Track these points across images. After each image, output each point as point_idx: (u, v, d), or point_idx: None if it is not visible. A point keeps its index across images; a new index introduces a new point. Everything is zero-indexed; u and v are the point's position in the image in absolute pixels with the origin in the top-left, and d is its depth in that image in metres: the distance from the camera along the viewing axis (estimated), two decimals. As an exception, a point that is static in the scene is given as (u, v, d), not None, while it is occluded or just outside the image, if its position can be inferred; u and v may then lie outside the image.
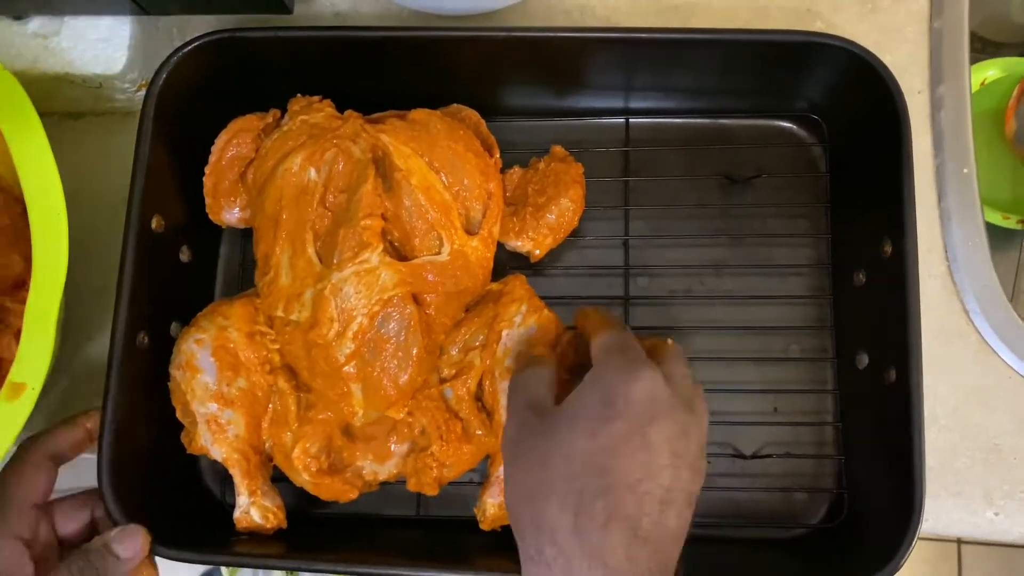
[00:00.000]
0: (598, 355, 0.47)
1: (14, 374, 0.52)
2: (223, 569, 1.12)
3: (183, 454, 0.59)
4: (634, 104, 0.66)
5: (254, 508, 0.57)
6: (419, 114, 0.59)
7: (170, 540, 0.54)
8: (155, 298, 0.59)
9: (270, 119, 0.62)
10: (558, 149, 0.64)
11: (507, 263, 0.64)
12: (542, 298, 0.60)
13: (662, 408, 0.43)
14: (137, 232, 0.56)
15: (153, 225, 0.58)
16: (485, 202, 0.59)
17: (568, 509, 0.42)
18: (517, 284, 0.59)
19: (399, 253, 0.57)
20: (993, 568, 1.50)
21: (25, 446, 0.55)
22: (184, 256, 0.62)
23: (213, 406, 0.56)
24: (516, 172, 0.64)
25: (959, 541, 1.51)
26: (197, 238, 0.63)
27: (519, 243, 0.61)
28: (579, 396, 0.45)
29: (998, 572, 1.50)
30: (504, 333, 0.57)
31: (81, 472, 0.58)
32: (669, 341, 0.49)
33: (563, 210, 0.61)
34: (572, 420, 0.44)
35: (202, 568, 0.70)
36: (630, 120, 0.66)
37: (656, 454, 0.42)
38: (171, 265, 0.61)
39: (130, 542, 0.51)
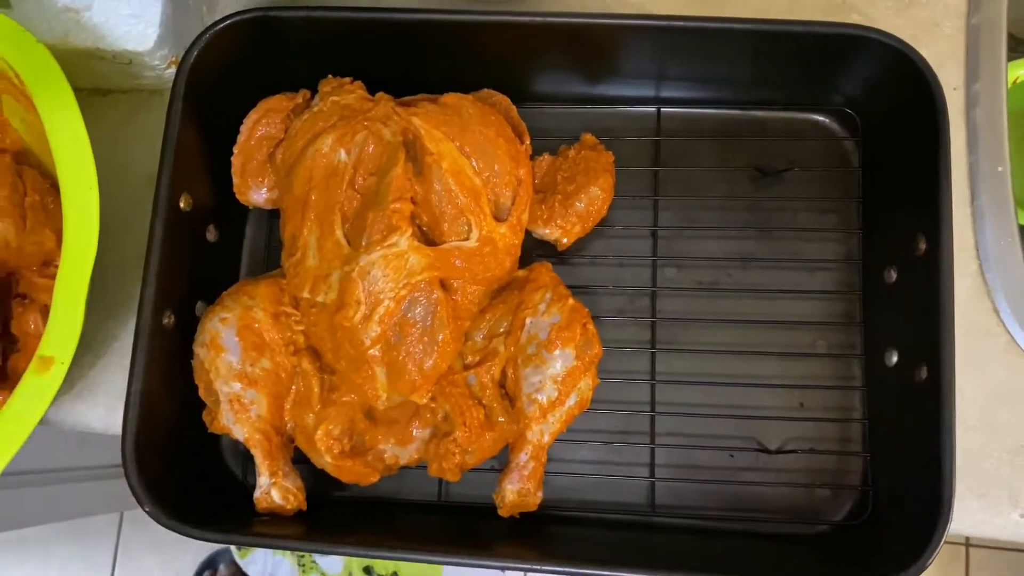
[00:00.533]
0: None
1: (43, 348, 0.51)
2: (234, 549, 1.12)
3: (206, 433, 0.58)
4: (666, 93, 0.64)
5: (275, 489, 0.56)
6: (451, 98, 0.57)
7: (190, 517, 0.53)
8: (181, 277, 0.57)
9: (299, 100, 0.60)
10: (588, 137, 0.63)
11: (533, 250, 0.62)
12: (569, 287, 0.59)
13: None
14: (165, 211, 0.55)
15: (181, 204, 0.57)
16: (515, 188, 0.57)
17: None
18: (543, 271, 0.58)
19: (427, 238, 0.55)
20: (1001, 570, 1.50)
21: None
22: (211, 235, 0.61)
23: (236, 385, 0.55)
24: (545, 159, 0.62)
25: (967, 543, 1.50)
26: (224, 218, 0.62)
27: (547, 231, 0.60)
28: None
29: (1006, 574, 1.49)
30: (528, 320, 0.55)
31: (108, 447, 0.59)
32: None
33: (592, 198, 0.60)
34: None
35: (210, 548, 0.71)
36: (661, 109, 0.65)
37: None
38: (198, 244, 0.60)
39: None
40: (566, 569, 0.52)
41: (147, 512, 0.53)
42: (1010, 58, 0.81)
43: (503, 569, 0.51)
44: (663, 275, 0.63)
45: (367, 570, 1.12)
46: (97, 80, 0.66)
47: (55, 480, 1.12)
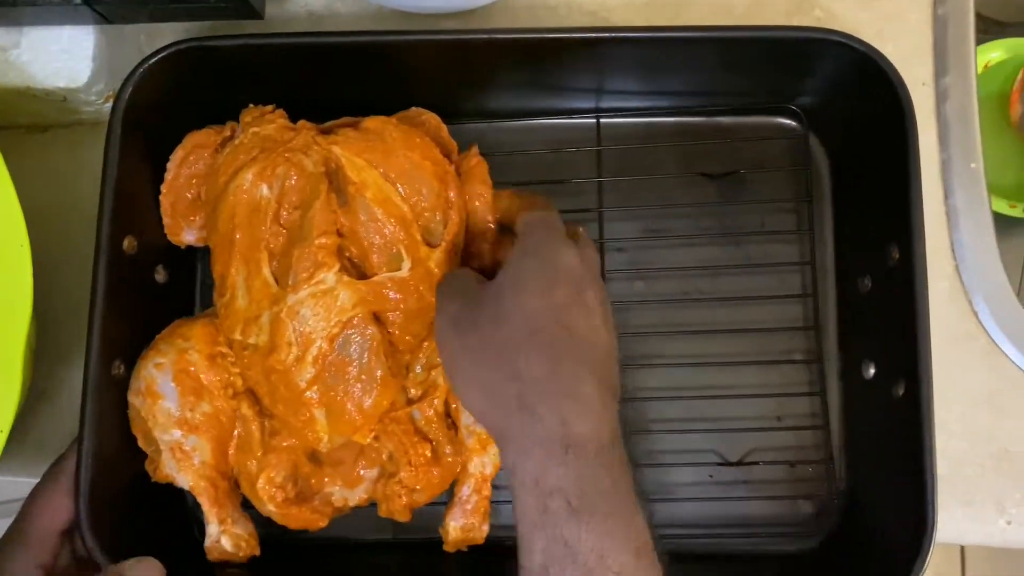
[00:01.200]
0: (525, 229, 0.49)
1: None
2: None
3: (165, 486, 0.54)
4: (611, 103, 0.61)
5: (225, 537, 0.52)
6: (373, 122, 0.53)
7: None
8: (130, 323, 0.54)
9: (228, 132, 0.56)
10: (471, 146, 0.57)
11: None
12: None
13: (589, 277, 0.46)
14: (108, 256, 0.51)
15: (125, 246, 0.53)
16: (445, 211, 0.53)
17: (543, 360, 0.42)
18: None
19: (359, 270, 0.51)
20: (999, 572, 1.49)
21: (51, 473, 0.52)
22: (160, 276, 0.57)
23: (176, 433, 0.51)
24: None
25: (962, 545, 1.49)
26: (173, 257, 0.58)
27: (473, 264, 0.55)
28: (515, 264, 0.46)
29: (1003, 570, 1.48)
30: None
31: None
32: (581, 229, 0.51)
33: (479, 214, 0.55)
34: (517, 284, 0.45)
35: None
36: (601, 120, 0.61)
37: (594, 316, 0.45)
38: (146, 287, 0.56)
39: (144, 572, 0.50)
40: None
41: (104, 572, 0.51)
42: (980, 40, 0.79)
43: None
44: (631, 288, 0.60)
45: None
46: (33, 117, 0.62)
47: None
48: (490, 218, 0.55)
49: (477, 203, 0.55)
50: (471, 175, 0.55)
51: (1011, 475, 0.57)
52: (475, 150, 0.57)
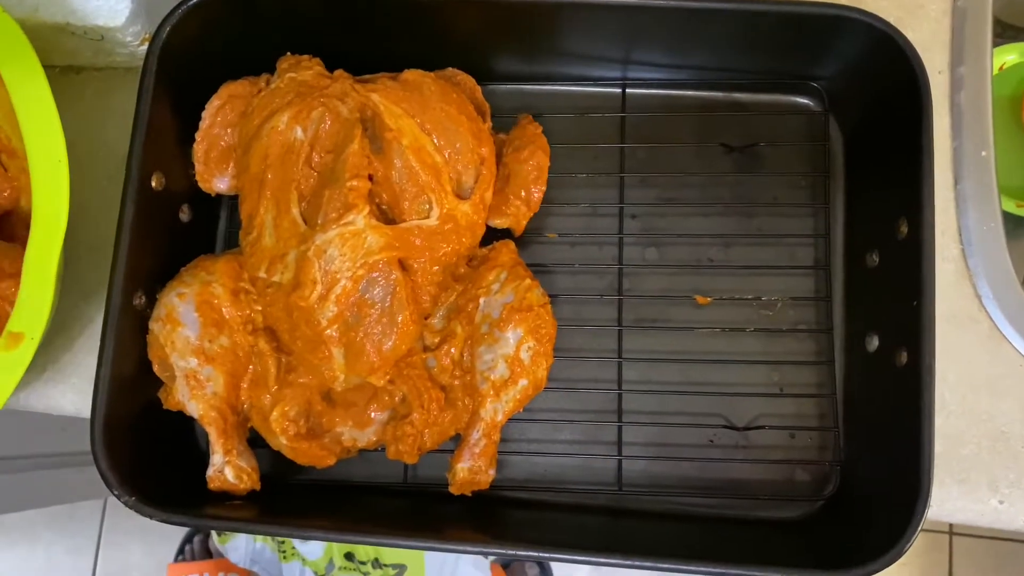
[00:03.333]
0: None
1: (12, 323, 0.50)
2: (214, 534, 1.11)
3: (179, 415, 0.55)
4: (637, 73, 0.62)
5: (228, 467, 0.54)
6: (412, 75, 0.55)
7: (156, 500, 0.51)
8: (153, 257, 0.55)
9: (263, 84, 0.57)
10: (521, 116, 0.61)
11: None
12: (533, 266, 0.58)
13: None
14: (136, 190, 0.53)
15: (153, 183, 0.54)
16: (478, 167, 0.55)
17: None
18: (504, 251, 0.56)
19: (387, 216, 0.53)
20: (984, 558, 1.50)
21: None
22: (184, 216, 0.59)
23: (193, 361, 0.53)
24: (497, 140, 0.59)
25: (951, 531, 1.50)
26: (198, 198, 0.60)
27: (497, 221, 0.58)
28: None
29: (989, 561, 1.49)
30: (481, 300, 0.54)
31: (74, 435, 0.58)
32: None
33: (525, 176, 0.57)
34: None
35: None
36: (627, 89, 0.63)
37: None
38: (170, 224, 0.58)
39: None
40: (524, 552, 0.50)
41: (115, 495, 0.52)
42: (996, 43, 0.81)
43: (474, 553, 0.50)
44: (643, 254, 0.61)
45: (348, 556, 1.11)
46: (69, 57, 0.64)
47: (38, 466, 1.11)
48: (534, 187, 0.57)
49: (530, 169, 0.57)
50: (531, 141, 0.58)
51: (1006, 456, 0.58)
52: (529, 117, 0.60)
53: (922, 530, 0.49)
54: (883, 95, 0.57)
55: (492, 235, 0.58)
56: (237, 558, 1.20)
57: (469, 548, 0.50)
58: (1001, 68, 0.80)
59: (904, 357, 0.52)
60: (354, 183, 0.52)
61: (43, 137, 0.51)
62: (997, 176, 0.62)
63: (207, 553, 1.34)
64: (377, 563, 1.12)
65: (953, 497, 0.58)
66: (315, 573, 1.09)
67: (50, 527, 1.50)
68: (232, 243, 0.63)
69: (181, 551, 1.38)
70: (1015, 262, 0.76)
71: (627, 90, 0.63)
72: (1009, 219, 0.77)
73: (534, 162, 0.58)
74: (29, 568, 1.51)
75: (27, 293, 0.50)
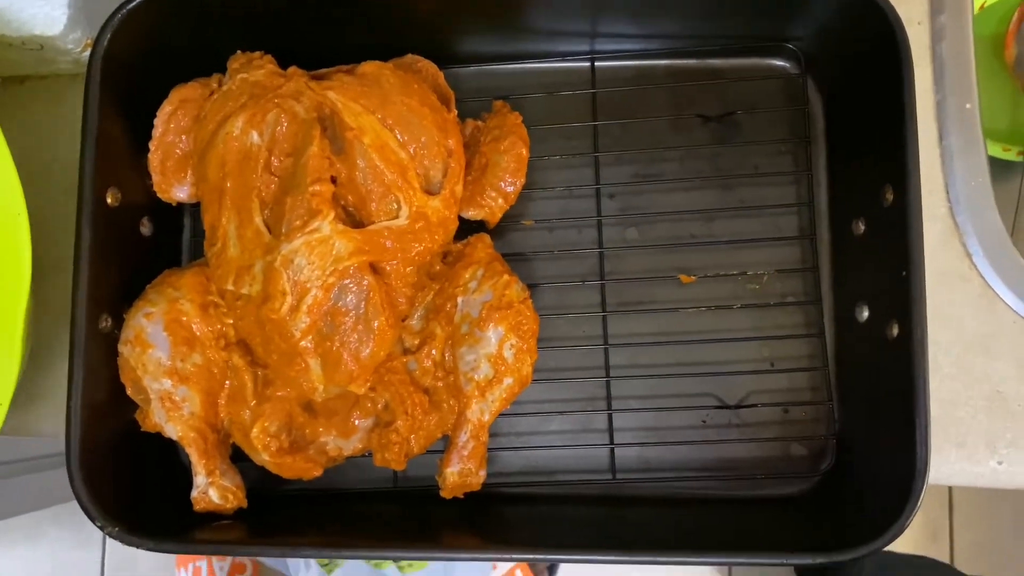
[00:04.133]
0: None
1: None
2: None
3: (159, 437, 0.54)
4: (605, 45, 0.60)
5: (212, 488, 0.53)
6: (369, 67, 0.53)
7: (142, 528, 0.50)
8: (116, 277, 0.53)
9: (215, 84, 0.55)
10: (497, 104, 0.58)
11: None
12: (511, 255, 0.57)
13: None
14: (91, 210, 0.51)
15: (109, 200, 0.52)
16: (445, 160, 0.53)
17: None
18: (479, 246, 0.54)
19: (355, 219, 0.51)
20: (984, 505, 1.51)
21: None
22: (145, 229, 0.56)
23: (167, 382, 0.51)
24: (469, 125, 0.57)
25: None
26: (158, 209, 0.57)
27: (471, 212, 0.56)
28: None
29: (988, 508, 1.50)
30: (459, 299, 0.52)
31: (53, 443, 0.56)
32: None
33: (504, 168, 0.55)
34: None
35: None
36: (596, 63, 0.60)
37: None
38: (132, 240, 0.56)
39: None
40: (521, 556, 0.50)
41: (99, 528, 0.50)
42: (976, -19, 0.78)
43: (470, 560, 0.49)
44: (623, 235, 0.60)
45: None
46: (10, 68, 0.61)
47: (42, 467, 1.10)
48: (512, 179, 0.55)
49: (509, 160, 0.55)
50: (511, 131, 0.56)
51: (1003, 416, 0.58)
52: (507, 105, 0.58)
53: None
54: (860, 53, 0.55)
55: (467, 227, 0.56)
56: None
57: (465, 555, 0.50)
58: (982, 7, 0.78)
59: (895, 329, 0.50)
60: (316, 187, 0.50)
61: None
62: (983, 123, 0.60)
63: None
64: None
65: (951, 460, 0.58)
66: (320, 565, 1.09)
67: (55, 523, 1.49)
68: (198, 254, 0.60)
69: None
70: (1004, 206, 0.75)
71: (596, 63, 0.61)
72: (995, 163, 0.76)
73: (514, 153, 0.56)
74: (37, 565, 1.51)
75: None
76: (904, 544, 1.46)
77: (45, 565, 1.51)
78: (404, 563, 1.05)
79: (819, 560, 0.48)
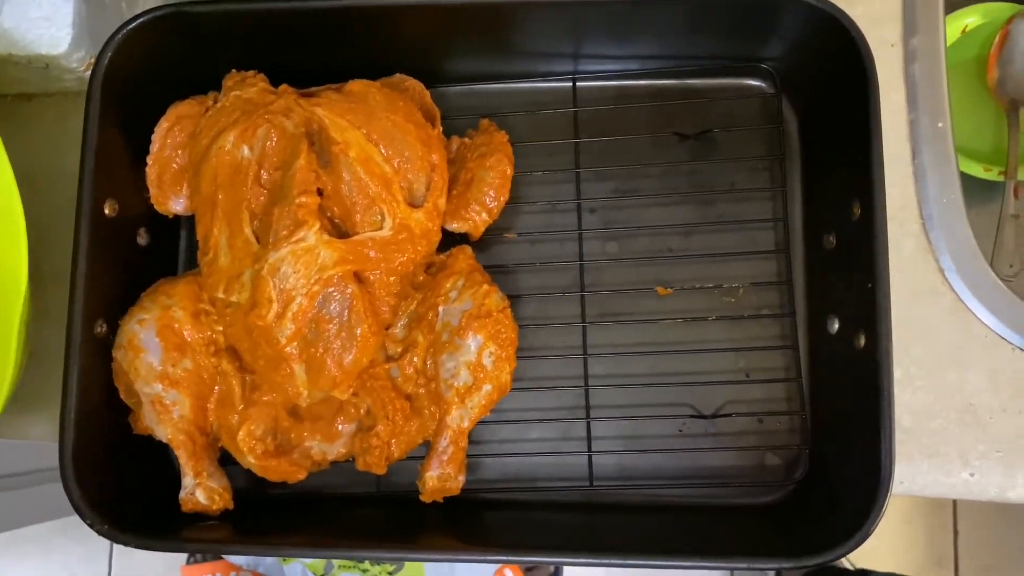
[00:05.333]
0: None
1: None
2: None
3: (150, 439, 0.55)
4: (587, 66, 0.62)
5: (199, 489, 0.54)
6: (356, 85, 0.55)
7: (131, 527, 0.52)
8: (113, 285, 0.55)
9: (210, 101, 0.57)
10: (483, 122, 0.60)
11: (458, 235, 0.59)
12: (493, 267, 0.58)
13: None
14: (90, 219, 0.53)
15: (106, 210, 0.54)
16: (428, 174, 0.55)
17: None
18: (461, 257, 0.56)
19: (340, 230, 0.53)
20: (988, 531, 1.50)
21: None
22: (142, 239, 0.59)
23: (158, 386, 0.53)
24: (455, 141, 0.59)
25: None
26: (155, 220, 0.59)
27: (455, 225, 0.57)
28: None
29: (993, 533, 1.49)
30: (440, 308, 0.54)
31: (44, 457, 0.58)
32: None
33: (489, 184, 0.57)
34: None
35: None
36: (577, 83, 0.62)
37: None
38: (128, 250, 0.58)
39: None
40: (500, 558, 0.51)
41: (90, 527, 0.52)
42: (957, 5, 0.80)
43: (446, 562, 0.51)
44: (603, 248, 0.61)
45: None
46: (18, 85, 0.64)
47: (52, 479, 1.12)
48: (495, 195, 0.57)
49: (494, 176, 0.57)
50: (497, 148, 0.58)
51: (975, 428, 0.59)
52: (493, 124, 0.60)
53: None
54: (831, 74, 0.56)
55: (450, 239, 0.58)
56: (240, 562, 1.21)
57: (441, 557, 0.51)
58: (964, 31, 0.80)
59: (863, 340, 0.52)
60: (303, 199, 0.52)
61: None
62: (960, 144, 0.61)
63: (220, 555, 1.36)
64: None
65: (924, 472, 0.59)
66: (314, 574, 1.11)
67: (63, 534, 1.51)
68: (194, 264, 0.62)
69: (193, 553, 1.40)
70: (985, 226, 0.76)
71: (578, 83, 0.63)
72: (977, 184, 0.77)
73: (499, 170, 0.58)
74: (48, 576, 1.53)
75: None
76: (908, 568, 1.46)
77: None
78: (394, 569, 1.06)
79: (787, 565, 0.49)
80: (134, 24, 0.55)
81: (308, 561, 1.14)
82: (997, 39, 0.78)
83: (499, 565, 1.17)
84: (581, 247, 0.61)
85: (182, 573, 1.39)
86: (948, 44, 0.63)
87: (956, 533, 1.49)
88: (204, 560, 1.38)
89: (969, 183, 0.64)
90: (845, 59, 0.53)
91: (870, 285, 0.51)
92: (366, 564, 1.12)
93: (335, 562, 1.14)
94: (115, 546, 1.52)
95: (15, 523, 1.17)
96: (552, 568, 1.37)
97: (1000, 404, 0.59)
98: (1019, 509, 1.51)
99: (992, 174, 0.76)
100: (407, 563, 1.13)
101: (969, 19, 0.79)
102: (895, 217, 0.52)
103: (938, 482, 0.58)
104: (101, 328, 0.54)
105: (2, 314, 0.50)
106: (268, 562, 1.19)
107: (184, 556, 1.40)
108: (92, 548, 1.51)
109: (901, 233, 0.60)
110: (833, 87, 0.56)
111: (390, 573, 1.11)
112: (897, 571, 1.22)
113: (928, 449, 0.59)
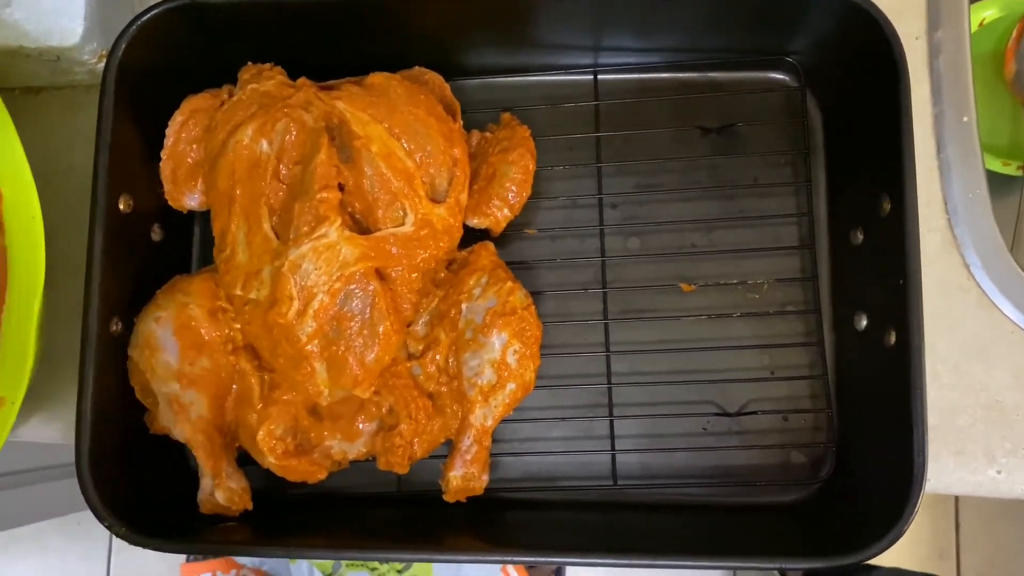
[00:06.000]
0: None
1: None
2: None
3: (167, 439, 0.55)
4: (608, 59, 0.61)
5: (219, 490, 0.53)
6: (377, 78, 0.54)
7: (148, 528, 0.51)
8: (127, 281, 0.54)
9: (225, 95, 0.56)
10: (505, 116, 0.59)
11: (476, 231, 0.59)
12: (515, 263, 0.58)
13: None
14: (104, 215, 0.52)
15: (121, 206, 0.53)
16: (451, 169, 0.54)
17: None
18: (483, 253, 0.55)
19: (361, 226, 0.52)
20: (990, 523, 1.50)
21: None
22: (156, 235, 0.58)
23: (175, 385, 0.52)
24: (475, 136, 0.58)
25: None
26: (169, 216, 0.58)
27: (475, 221, 0.56)
28: None
29: (995, 526, 1.50)
30: (464, 305, 0.53)
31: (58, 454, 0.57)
32: None
33: (511, 180, 0.56)
34: None
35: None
36: (599, 75, 0.61)
37: None
38: (143, 246, 0.57)
39: None
40: (524, 559, 0.51)
41: (107, 527, 0.51)
42: (975, 0, 0.79)
43: (472, 563, 0.50)
44: (625, 244, 0.61)
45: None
46: (28, 79, 0.63)
47: (48, 478, 1.11)
48: (517, 191, 0.56)
49: (517, 172, 0.56)
50: (520, 143, 0.57)
51: (1001, 426, 0.58)
52: (515, 119, 0.59)
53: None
54: (858, 67, 0.56)
55: (471, 235, 0.57)
56: (246, 560, 1.20)
57: (466, 558, 0.50)
58: (981, 24, 0.79)
59: (893, 337, 0.51)
60: (324, 195, 0.51)
61: (15, 191, 0.50)
62: (980, 141, 0.61)
63: (219, 551, 1.35)
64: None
65: (950, 470, 0.58)
66: (323, 573, 1.10)
67: (60, 534, 1.50)
68: (207, 259, 0.61)
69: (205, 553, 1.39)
70: (1004, 220, 0.76)
71: (599, 76, 0.62)
72: (996, 178, 0.76)
73: (521, 165, 0.57)
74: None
75: (6, 357, 0.50)
76: (911, 562, 1.46)
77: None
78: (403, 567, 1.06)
79: (816, 565, 0.49)
80: (148, 16, 0.54)
81: (316, 559, 1.13)
82: (1015, 33, 0.78)
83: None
84: (603, 243, 0.60)
85: (182, 571, 1.38)
86: (969, 37, 0.63)
87: (958, 526, 1.49)
88: (205, 558, 1.37)
89: (987, 178, 0.64)
90: (874, 52, 0.53)
91: (901, 281, 0.50)
92: (374, 562, 1.12)
93: (343, 561, 1.13)
94: (114, 545, 1.50)
95: (11, 522, 1.16)
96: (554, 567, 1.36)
97: (1027, 401, 0.58)
98: (1021, 502, 1.52)
99: (1011, 168, 0.76)
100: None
101: (987, 12, 0.78)
102: (920, 213, 0.51)
103: (965, 480, 0.58)
104: (116, 326, 0.54)
105: (20, 313, 0.49)
106: (273, 560, 1.18)
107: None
108: (90, 547, 1.50)
109: (926, 228, 0.59)
110: (860, 81, 0.56)
111: (399, 571, 1.11)
112: (899, 564, 1.22)
113: (954, 447, 0.58)
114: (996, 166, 0.76)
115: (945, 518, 1.50)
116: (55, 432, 0.61)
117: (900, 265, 0.50)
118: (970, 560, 1.49)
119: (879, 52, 0.52)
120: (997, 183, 0.77)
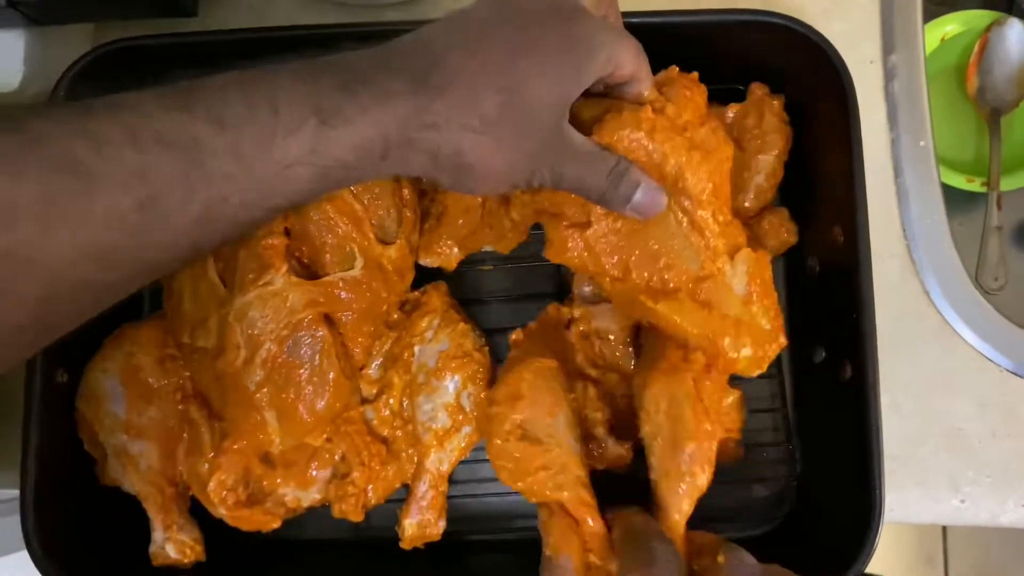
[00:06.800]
0: None
1: None
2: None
3: (117, 489, 0.54)
4: None
5: (169, 544, 0.53)
6: None
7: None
8: (73, 330, 0.56)
9: None
10: None
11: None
12: (474, 299, 0.58)
13: None
14: None
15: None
16: (400, 209, 0.53)
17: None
18: (435, 295, 0.55)
19: (309, 271, 0.52)
20: (978, 529, 1.50)
21: None
22: (104, 280, 0.59)
23: (123, 437, 0.52)
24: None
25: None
26: None
27: (428, 260, 0.56)
28: None
29: (983, 532, 1.50)
30: (416, 348, 0.53)
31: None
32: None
33: (461, 217, 0.55)
34: None
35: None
36: None
37: None
38: (90, 291, 0.58)
39: None
40: None
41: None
42: (935, 14, 0.79)
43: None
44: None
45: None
46: (-29, 122, 0.62)
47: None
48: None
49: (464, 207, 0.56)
50: None
51: (964, 454, 0.58)
52: None
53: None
54: (812, 95, 0.55)
55: (425, 273, 0.57)
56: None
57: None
58: (943, 39, 0.79)
59: (849, 371, 0.51)
60: (269, 241, 0.50)
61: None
62: (942, 155, 0.61)
63: None
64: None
65: (913, 500, 0.58)
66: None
67: (18, 571, 1.48)
68: (157, 305, 0.61)
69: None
70: (968, 238, 0.75)
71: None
72: (959, 195, 0.76)
73: (468, 200, 0.56)
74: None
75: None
76: (899, 568, 1.46)
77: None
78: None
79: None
80: (89, 58, 0.54)
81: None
82: (976, 48, 0.78)
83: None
84: (560, 276, 0.60)
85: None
86: (927, 53, 0.62)
87: (945, 532, 1.49)
88: None
89: (951, 195, 0.63)
90: (824, 80, 0.53)
91: (855, 315, 0.50)
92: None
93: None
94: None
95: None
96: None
97: (989, 429, 0.58)
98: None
99: (975, 185, 0.75)
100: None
101: (948, 27, 0.78)
102: (878, 239, 0.51)
103: (928, 510, 0.58)
104: (63, 377, 0.53)
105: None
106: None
107: None
108: None
109: (884, 255, 0.59)
110: (814, 108, 0.55)
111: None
112: (886, 571, 1.21)
113: (917, 476, 0.58)
114: (960, 183, 0.76)
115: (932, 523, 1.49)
116: (6, 479, 0.60)
117: (854, 297, 0.50)
118: (958, 565, 1.49)
119: (828, 79, 0.52)
120: (961, 200, 0.77)
